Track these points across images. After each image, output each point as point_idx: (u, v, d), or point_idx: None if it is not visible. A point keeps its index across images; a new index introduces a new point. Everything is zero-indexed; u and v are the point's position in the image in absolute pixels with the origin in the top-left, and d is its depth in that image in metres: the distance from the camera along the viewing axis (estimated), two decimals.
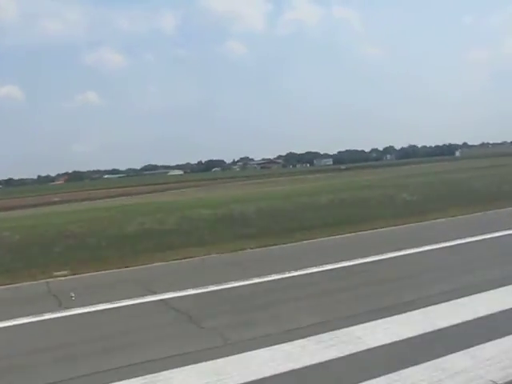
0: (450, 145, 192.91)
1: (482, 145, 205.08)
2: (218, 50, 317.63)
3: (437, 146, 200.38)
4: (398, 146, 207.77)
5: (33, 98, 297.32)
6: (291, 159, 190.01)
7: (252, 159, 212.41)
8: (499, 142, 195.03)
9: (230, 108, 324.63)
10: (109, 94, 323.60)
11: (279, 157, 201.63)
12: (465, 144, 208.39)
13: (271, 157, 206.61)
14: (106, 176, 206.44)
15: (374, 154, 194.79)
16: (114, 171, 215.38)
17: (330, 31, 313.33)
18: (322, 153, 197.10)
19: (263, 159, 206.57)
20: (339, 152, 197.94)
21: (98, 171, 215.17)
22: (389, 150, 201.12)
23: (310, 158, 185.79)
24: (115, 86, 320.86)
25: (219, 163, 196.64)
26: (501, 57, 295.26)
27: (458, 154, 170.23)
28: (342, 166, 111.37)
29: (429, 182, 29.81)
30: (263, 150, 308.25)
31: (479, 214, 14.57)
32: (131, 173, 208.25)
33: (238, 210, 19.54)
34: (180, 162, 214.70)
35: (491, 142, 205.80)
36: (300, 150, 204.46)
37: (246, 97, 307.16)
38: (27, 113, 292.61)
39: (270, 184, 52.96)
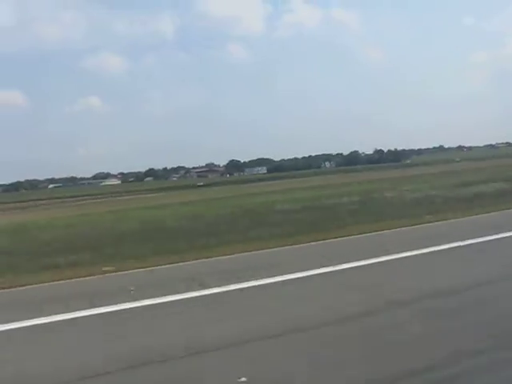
0: (401, 150, 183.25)
1: (459, 147, 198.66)
2: (217, 54, 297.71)
3: (403, 151, 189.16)
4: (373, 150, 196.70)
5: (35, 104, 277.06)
6: (233, 167, 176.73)
7: (218, 165, 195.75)
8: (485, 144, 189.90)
9: (228, 111, 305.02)
10: (110, 99, 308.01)
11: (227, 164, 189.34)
12: (441, 147, 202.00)
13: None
14: (50, 186, 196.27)
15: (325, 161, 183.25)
16: (72, 179, 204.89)
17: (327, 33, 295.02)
18: (276, 159, 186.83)
19: (225, 165, 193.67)
20: (295, 158, 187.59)
21: (53, 179, 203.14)
22: (353, 155, 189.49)
23: (255, 164, 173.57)
24: (116, 91, 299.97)
25: (159, 172, 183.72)
26: (499, 58, 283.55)
27: (408, 161, 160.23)
28: (200, 183, 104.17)
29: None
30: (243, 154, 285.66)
31: None
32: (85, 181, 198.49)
33: None
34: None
35: (467, 145, 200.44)
36: (273, 155, 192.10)
37: (241, 99, 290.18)
38: None
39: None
